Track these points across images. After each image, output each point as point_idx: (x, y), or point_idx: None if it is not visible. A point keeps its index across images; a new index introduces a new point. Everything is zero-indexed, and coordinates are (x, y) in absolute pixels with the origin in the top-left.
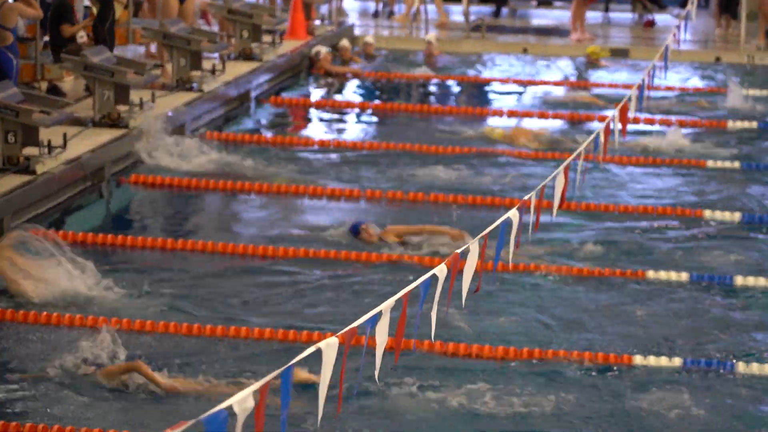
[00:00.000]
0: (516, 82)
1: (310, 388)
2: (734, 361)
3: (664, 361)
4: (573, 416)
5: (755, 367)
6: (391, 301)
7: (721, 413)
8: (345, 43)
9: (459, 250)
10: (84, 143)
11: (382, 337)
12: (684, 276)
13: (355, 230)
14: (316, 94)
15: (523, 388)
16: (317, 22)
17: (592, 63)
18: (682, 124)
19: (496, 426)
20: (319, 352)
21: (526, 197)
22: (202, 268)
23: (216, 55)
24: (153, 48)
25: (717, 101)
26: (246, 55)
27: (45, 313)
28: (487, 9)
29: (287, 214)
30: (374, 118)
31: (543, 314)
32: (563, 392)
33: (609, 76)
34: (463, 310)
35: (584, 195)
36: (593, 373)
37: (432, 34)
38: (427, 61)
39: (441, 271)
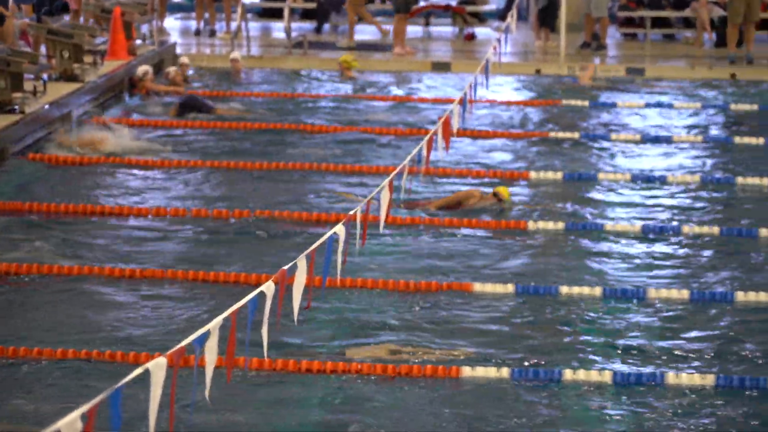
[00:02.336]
0: (340, 97)
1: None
2: (562, 369)
3: (492, 372)
4: (403, 428)
5: (582, 374)
6: (219, 320)
7: (550, 422)
8: (172, 69)
9: (286, 267)
10: None
11: (211, 355)
12: (510, 287)
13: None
14: (139, 113)
15: (356, 401)
16: (138, 42)
17: (343, 72)
18: (506, 136)
19: None
20: (147, 373)
21: (352, 212)
22: (23, 293)
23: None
24: None
25: (540, 113)
26: (67, 76)
27: None
28: (309, 25)
29: (114, 235)
30: (199, 137)
31: (372, 328)
32: (393, 404)
33: (431, 91)
34: (295, 325)
35: (409, 208)
36: (422, 386)
37: (236, 52)
38: (233, 79)
39: (269, 288)
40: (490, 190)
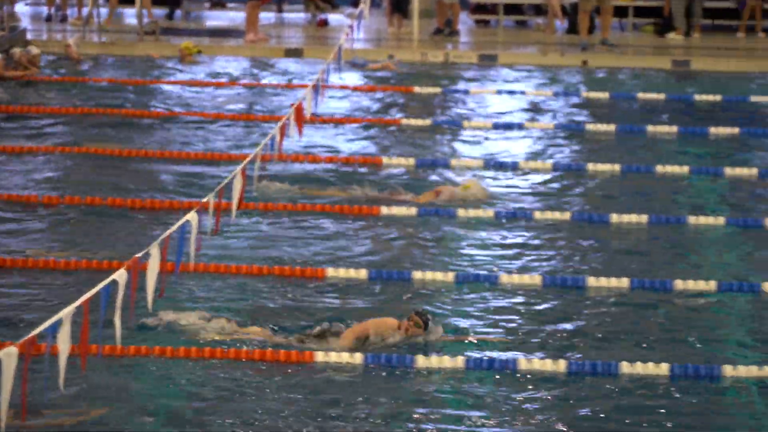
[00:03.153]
0: (193, 84)
1: None
2: (414, 355)
3: (345, 357)
4: (255, 413)
5: (434, 360)
6: (71, 308)
7: (402, 408)
8: (17, 51)
9: (139, 254)
10: None
11: (64, 344)
12: (363, 273)
13: None
14: None
15: (209, 386)
16: None
17: (184, 58)
18: (358, 122)
19: (180, 422)
20: None
21: (204, 199)
22: None
23: None
24: None
25: (393, 99)
26: None
27: None
28: (161, 11)
29: None
30: (53, 122)
31: (226, 314)
32: (246, 390)
33: (284, 77)
34: (149, 311)
35: (262, 195)
36: (275, 371)
37: (71, 38)
38: (70, 65)
39: (121, 276)
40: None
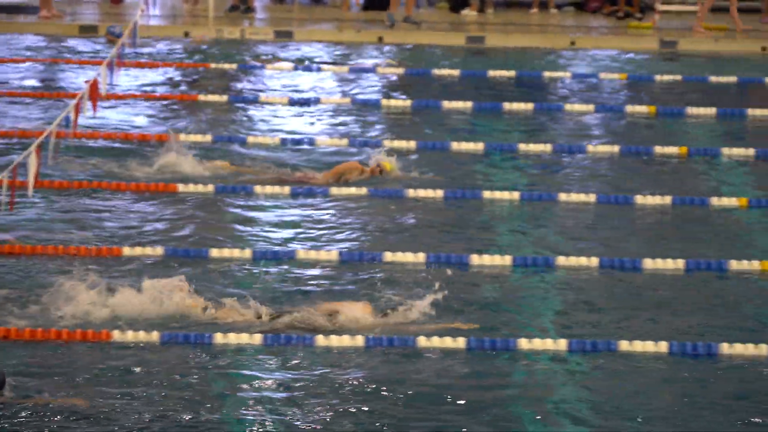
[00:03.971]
0: None
1: None
2: (212, 333)
3: (142, 335)
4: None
5: (232, 337)
6: None
7: (200, 382)
8: None
9: None
10: None
11: None
12: (159, 250)
13: None
14: None
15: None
16: None
17: None
18: (153, 98)
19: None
20: None
21: None
22: None
23: None
24: None
25: (188, 76)
26: None
27: None
28: None
29: None
30: None
31: (27, 294)
32: (51, 368)
33: (79, 54)
34: None
35: (57, 172)
36: (76, 349)
37: None
38: None
39: None
40: (370, 162)
